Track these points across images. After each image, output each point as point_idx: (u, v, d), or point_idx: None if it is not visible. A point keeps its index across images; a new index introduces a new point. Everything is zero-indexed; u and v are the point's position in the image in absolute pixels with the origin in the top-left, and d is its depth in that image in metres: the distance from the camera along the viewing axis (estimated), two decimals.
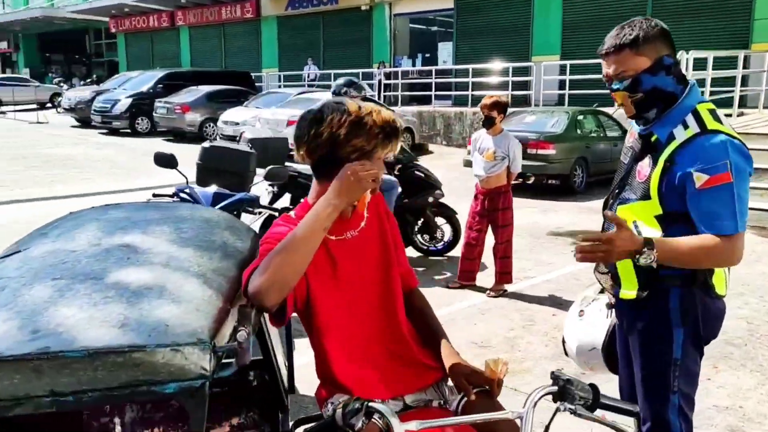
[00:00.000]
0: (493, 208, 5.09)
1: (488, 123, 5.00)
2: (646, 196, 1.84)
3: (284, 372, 1.98)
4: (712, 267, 1.82)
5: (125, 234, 1.56)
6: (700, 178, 1.72)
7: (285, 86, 20.80)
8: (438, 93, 17.61)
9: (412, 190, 5.82)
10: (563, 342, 2.36)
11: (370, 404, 1.41)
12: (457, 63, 18.26)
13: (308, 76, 21.42)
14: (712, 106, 1.85)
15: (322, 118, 1.60)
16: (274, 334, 1.99)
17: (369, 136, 1.60)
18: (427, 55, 20.18)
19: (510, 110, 14.20)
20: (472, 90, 16.14)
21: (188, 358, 1.10)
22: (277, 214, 3.99)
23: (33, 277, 1.30)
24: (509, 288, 5.21)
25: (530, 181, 9.30)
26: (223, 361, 1.23)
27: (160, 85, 18.61)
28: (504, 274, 5.14)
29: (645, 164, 1.88)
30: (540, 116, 11.07)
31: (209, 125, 16.69)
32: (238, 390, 1.95)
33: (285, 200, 5.81)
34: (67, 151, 14.06)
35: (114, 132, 18.10)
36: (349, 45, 21.49)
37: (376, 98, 17.84)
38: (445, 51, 19.54)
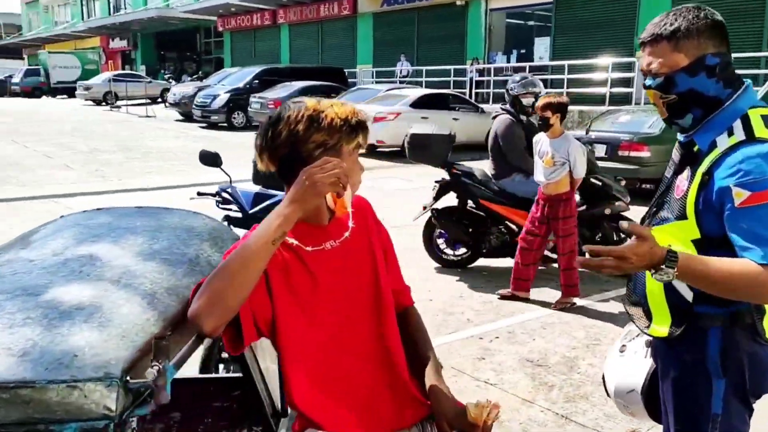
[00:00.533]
0: (554, 216, 4.75)
1: (544, 125, 4.68)
2: (682, 216, 1.56)
3: (275, 392, 1.86)
4: (749, 300, 1.51)
5: (94, 243, 1.50)
6: (740, 195, 1.43)
7: (377, 82, 20.85)
8: None
9: (592, 201, 5.46)
10: (603, 380, 2.10)
11: None
12: (553, 59, 17.58)
13: (400, 73, 21.37)
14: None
15: (279, 117, 1.47)
16: (267, 345, 1.87)
17: (331, 130, 1.44)
18: (523, 51, 19.57)
19: (604, 109, 13.43)
20: (568, 87, 15.48)
21: (88, 396, 1.00)
22: None
23: None
24: (579, 302, 4.86)
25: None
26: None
27: (257, 81, 19.17)
28: (569, 286, 4.80)
29: (683, 178, 1.60)
30: (636, 116, 10.38)
31: None
32: (218, 414, 1.86)
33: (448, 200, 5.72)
34: (168, 144, 14.76)
35: (212, 126, 18.85)
36: (442, 41, 21.23)
37: (467, 96, 17.52)
38: (542, 46, 18.88)
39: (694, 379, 1.60)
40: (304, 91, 17.45)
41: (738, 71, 1.65)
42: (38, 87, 34.07)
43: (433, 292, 5.16)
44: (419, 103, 14.01)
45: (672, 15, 1.59)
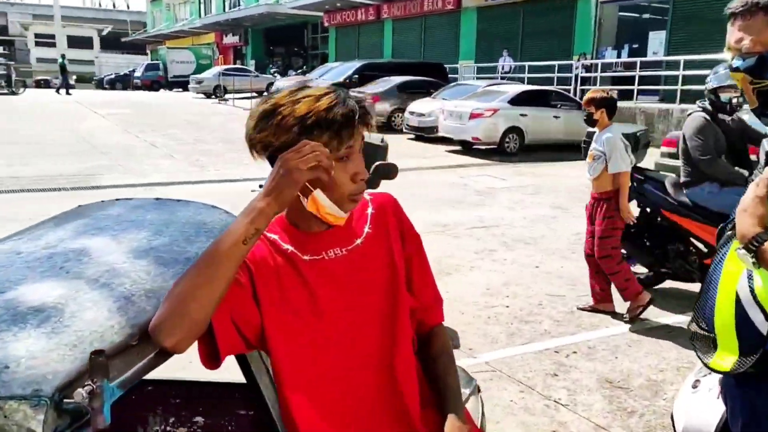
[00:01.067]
0: (596, 216, 4.44)
1: (588, 121, 4.45)
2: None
3: None
4: None
5: (93, 236, 1.40)
6: None
7: (478, 78, 20.41)
8: (643, 87, 16.02)
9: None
10: (672, 419, 1.80)
11: None
12: (669, 54, 16.44)
13: (502, 68, 20.82)
14: None
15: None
16: None
17: (277, 130, 1.22)
18: (635, 45, 18.44)
19: None
20: (683, 84, 14.42)
21: (9, 417, 0.88)
22: None
23: None
24: (675, 317, 4.41)
25: None
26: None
27: (356, 76, 19.30)
28: (622, 291, 4.41)
29: None
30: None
31: (397, 115, 16.93)
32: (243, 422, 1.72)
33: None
34: None
35: None
36: (548, 36, 20.45)
37: (572, 93, 16.76)
38: (657, 41, 17.70)
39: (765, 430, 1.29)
40: (402, 87, 17.40)
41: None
42: (157, 81, 36.31)
43: (511, 298, 4.87)
44: (518, 100, 13.54)
45: None
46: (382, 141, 4.31)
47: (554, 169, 11.33)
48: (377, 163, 3.55)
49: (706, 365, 1.45)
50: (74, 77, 45.49)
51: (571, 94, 16.62)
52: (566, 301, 4.80)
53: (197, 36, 44.35)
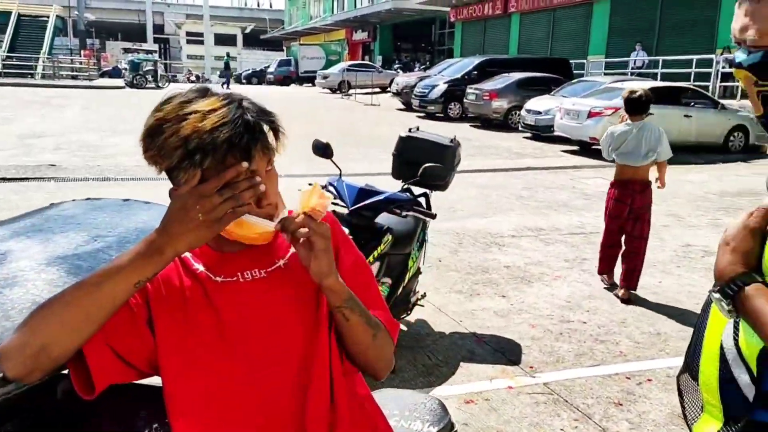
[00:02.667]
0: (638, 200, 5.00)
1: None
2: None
3: None
4: None
5: (28, 237, 1.39)
6: None
7: (607, 74, 19.29)
8: None
9: None
10: None
11: None
12: None
13: (634, 63, 19.52)
14: None
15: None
16: None
17: (162, 152, 1.07)
18: None
19: None
20: None
21: None
22: (428, 220, 3.53)
23: None
24: None
25: None
26: None
27: (476, 72, 18.94)
28: (638, 273, 4.95)
29: None
30: None
31: (515, 113, 16.41)
32: None
33: None
34: (380, 132, 15.25)
35: (429, 116, 19.08)
36: (688, 28, 18.88)
37: (711, 90, 15.38)
38: None
39: None
40: (521, 83, 16.85)
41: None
42: (288, 76, 37.93)
43: (591, 313, 4.49)
44: None
45: None
46: (452, 141, 4.11)
47: (678, 173, 10.40)
48: (425, 165, 3.37)
49: (689, 426, 1.19)
50: (217, 73, 48.70)
51: (710, 92, 15.26)
52: (654, 321, 4.34)
53: (329, 33, 45.74)
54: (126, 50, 45.16)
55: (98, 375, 1.10)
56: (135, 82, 29.09)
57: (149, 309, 1.16)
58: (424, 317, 4.30)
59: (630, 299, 4.73)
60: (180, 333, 1.16)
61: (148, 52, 42.40)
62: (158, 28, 65.49)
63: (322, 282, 1.15)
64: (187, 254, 1.21)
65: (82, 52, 38.63)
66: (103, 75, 36.76)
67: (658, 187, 4.96)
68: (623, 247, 4.95)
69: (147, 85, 29.15)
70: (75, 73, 32.73)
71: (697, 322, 1.21)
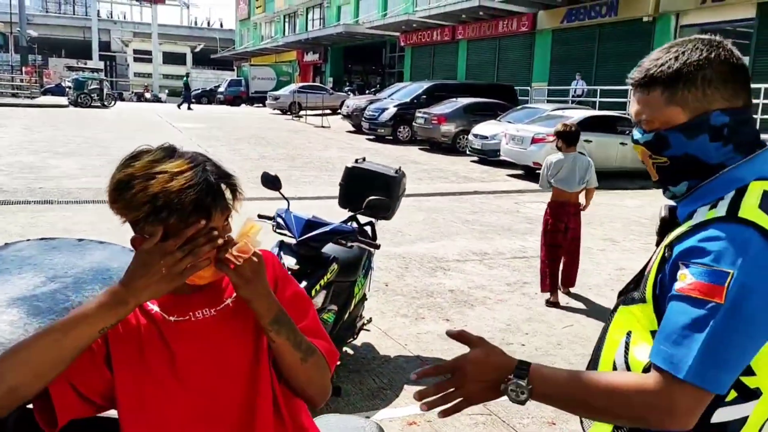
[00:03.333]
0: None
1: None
2: (643, 298, 1.20)
3: None
4: (625, 422, 1.13)
5: None
6: (683, 277, 1.07)
7: (550, 101, 20.01)
8: None
9: None
10: None
11: None
12: (753, 81, 15.53)
13: (574, 92, 20.33)
14: None
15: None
16: None
17: (130, 206, 1.21)
18: None
19: None
20: (763, 114, 13.62)
21: None
22: (373, 250, 3.69)
23: None
24: None
25: None
26: None
27: (425, 96, 19.35)
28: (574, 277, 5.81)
29: (656, 253, 1.23)
30: None
31: (463, 137, 16.83)
32: None
33: None
34: (330, 155, 15.40)
35: (379, 139, 19.36)
36: (624, 59, 19.74)
37: None
38: None
39: None
40: (468, 108, 17.30)
41: None
42: (238, 96, 37.77)
43: (530, 336, 4.71)
44: (584, 125, 13.08)
45: (675, 50, 1.20)
46: (397, 172, 4.29)
47: (614, 198, 10.91)
48: (369, 198, 3.52)
49: None
50: (166, 91, 48.08)
51: None
52: (587, 343, 4.59)
53: (280, 54, 45.84)
54: (70, 68, 44.08)
55: (61, 411, 1.20)
56: (79, 100, 28.45)
57: (108, 347, 1.27)
58: (371, 341, 4.43)
59: (569, 293, 5.61)
60: (135, 369, 1.28)
61: (93, 70, 41.54)
62: (104, 45, 64.33)
63: (249, 304, 1.28)
64: None
65: (24, 68, 37.58)
66: (45, 92, 35.81)
67: (581, 209, 5.68)
68: (563, 259, 5.56)
69: (92, 104, 28.55)
70: (16, 91, 31.80)
71: (597, 341, 1.38)
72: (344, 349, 4.11)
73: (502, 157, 14.00)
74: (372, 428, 1.76)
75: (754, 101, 14.12)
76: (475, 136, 15.44)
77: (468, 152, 15.96)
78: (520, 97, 20.48)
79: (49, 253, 1.66)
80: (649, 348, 1.12)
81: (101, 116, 24.19)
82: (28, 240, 1.78)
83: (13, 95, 30.98)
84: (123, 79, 59.08)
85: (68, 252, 1.68)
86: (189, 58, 58.18)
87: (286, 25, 47.88)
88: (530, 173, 13.42)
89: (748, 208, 1.08)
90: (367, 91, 30.77)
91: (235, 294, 1.37)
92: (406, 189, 4.51)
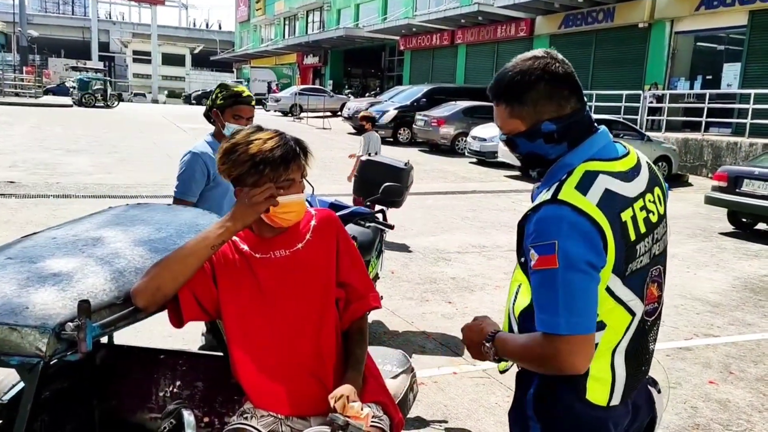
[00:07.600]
0: None
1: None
2: (519, 261, 1.55)
3: None
4: (541, 371, 1.45)
5: (110, 229, 1.89)
6: (533, 256, 1.37)
7: None
8: (714, 120, 15.77)
9: None
10: None
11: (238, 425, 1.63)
12: (744, 86, 16.06)
13: None
14: (602, 166, 1.44)
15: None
16: None
17: (235, 164, 1.70)
18: (709, 77, 18.09)
19: None
20: (753, 118, 14.10)
21: (24, 338, 1.35)
22: (386, 230, 4.13)
23: (3, 255, 1.69)
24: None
25: None
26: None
27: (425, 99, 19.83)
28: None
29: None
30: None
31: (461, 139, 17.29)
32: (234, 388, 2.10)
33: None
34: (331, 155, 15.82)
35: (380, 140, 19.73)
36: (620, 64, 20.32)
37: (639, 123, 16.62)
38: (731, 73, 17.29)
39: (517, 417, 1.57)
40: (467, 111, 17.77)
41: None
42: None
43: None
44: None
45: (512, 67, 1.48)
46: (406, 164, 4.73)
47: None
48: (385, 184, 3.96)
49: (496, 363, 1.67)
50: (165, 92, 48.47)
51: (638, 125, 16.49)
52: None
53: (280, 56, 46.27)
54: (74, 68, 44.49)
55: (186, 312, 1.69)
56: (84, 100, 28.85)
57: (214, 271, 1.74)
58: (381, 318, 4.86)
59: None
60: (233, 290, 1.74)
61: (96, 70, 41.92)
62: (103, 46, 64.68)
63: None
64: (237, 239, 1.78)
65: (24, 68, 37.94)
66: (47, 92, 36.18)
67: None
68: None
69: (96, 104, 28.94)
70: (18, 90, 32.18)
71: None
72: None
73: (499, 159, 14.48)
74: (399, 354, 2.20)
75: (745, 105, 14.65)
76: (474, 138, 15.91)
77: (467, 154, 16.42)
78: None
79: (150, 213, 2.10)
80: (529, 297, 1.47)
81: (106, 116, 24.60)
82: (127, 204, 2.22)
83: (16, 94, 31.37)
84: (122, 79, 59.46)
85: (164, 213, 2.12)
86: (188, 60, 58.66)
87: (286, 27, 48.30)
88: (526, 174, 13.84)
89: (567, 190, 1.38)
90: (366, 94, 31.21)
91: (304, 241, 1.82)
92: (413, 182, 4.96)
